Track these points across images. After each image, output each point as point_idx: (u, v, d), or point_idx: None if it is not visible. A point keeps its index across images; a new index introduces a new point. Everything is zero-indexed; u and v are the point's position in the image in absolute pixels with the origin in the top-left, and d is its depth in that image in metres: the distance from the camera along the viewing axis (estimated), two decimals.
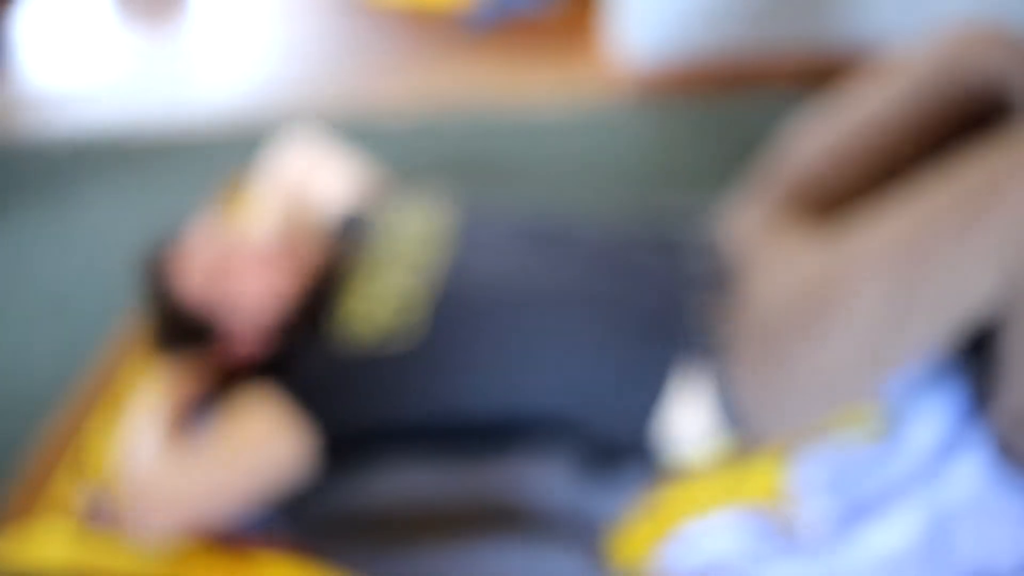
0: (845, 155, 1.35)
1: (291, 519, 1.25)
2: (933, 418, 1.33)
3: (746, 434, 1.24)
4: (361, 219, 1.48)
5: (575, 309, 1.23)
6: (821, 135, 1.37)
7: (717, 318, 1.22)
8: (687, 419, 1.23)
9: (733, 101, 2.04)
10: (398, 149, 2.08)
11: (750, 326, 1.20)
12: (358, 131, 2.16)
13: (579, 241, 1.33)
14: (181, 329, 1.31)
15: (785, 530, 1.21)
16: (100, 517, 1.26)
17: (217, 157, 2.09)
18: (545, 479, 1.21)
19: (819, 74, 2.16)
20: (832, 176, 1.36)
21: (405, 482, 1.22)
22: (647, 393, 1.22)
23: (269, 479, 1.21)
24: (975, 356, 1.32)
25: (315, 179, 1.58)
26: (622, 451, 1.26)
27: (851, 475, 1.27)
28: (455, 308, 1.24)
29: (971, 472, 1.25)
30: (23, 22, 2.78)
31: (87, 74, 2.49)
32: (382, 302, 1.26)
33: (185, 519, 1.19)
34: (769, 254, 1.29)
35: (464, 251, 1.31)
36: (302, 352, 1.28)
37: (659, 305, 1.25)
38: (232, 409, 1.27)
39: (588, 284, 1.26)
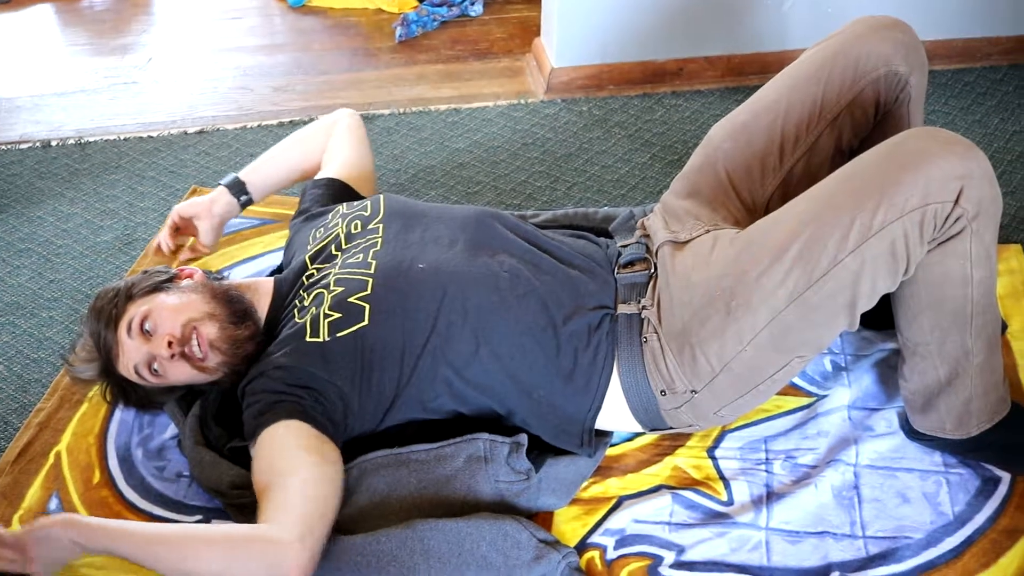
0: (752, 131, 1.39)
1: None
2: (853, 385, 1.41)
3: (670, 430, 1.32)
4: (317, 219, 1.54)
5: (512, 297, 1.27)
6: (731, 117, 1.43)
7: (642, 313, 1.27)
8: (619, 412, 1.29)
9: (647, 100, 2.33)
10: None
11: (666, 326, 1.24)
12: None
13: (513, 228, 1.38)
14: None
15: (711, 505, 1.28)
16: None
17: (175, 162, 2.13)
18: (488, 471, 1.26)
19: (733, 78, 2.37)
20: (741, 152, 1.39)
21: (354, 476, 1.27)
22: (587, 388, 1.27)
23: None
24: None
25: (331, 145, 1.69)
26: (562, 442, 1.31)
27: (774, 447, 1.35)
28: (394, 298, 1.28)
29: (887, 430, 1.34)
30: None
31: (46, 82, 2.51)
32: (328, 295, 1.31)
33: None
34: (681, 247, 1.32)
35: (400, 244, 1.35)
36: (272, 351, 1.32)
37: (592, 293, 1.29)
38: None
39: (524, 273, 1.30)
